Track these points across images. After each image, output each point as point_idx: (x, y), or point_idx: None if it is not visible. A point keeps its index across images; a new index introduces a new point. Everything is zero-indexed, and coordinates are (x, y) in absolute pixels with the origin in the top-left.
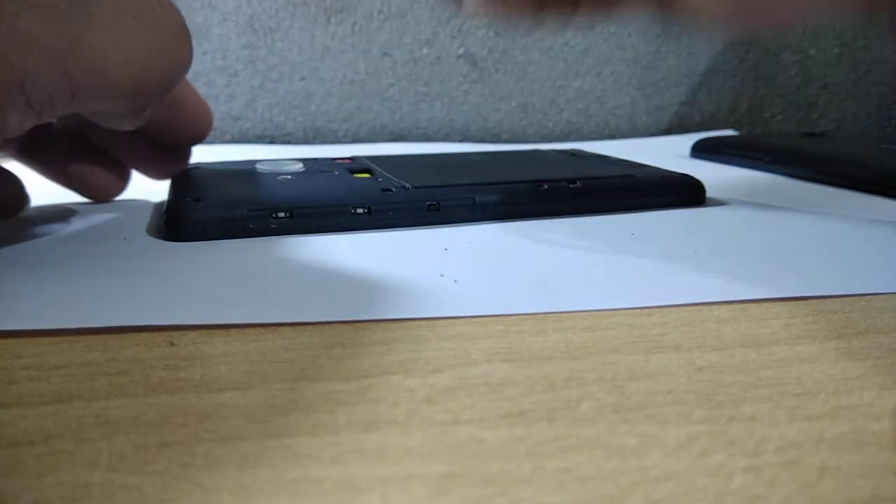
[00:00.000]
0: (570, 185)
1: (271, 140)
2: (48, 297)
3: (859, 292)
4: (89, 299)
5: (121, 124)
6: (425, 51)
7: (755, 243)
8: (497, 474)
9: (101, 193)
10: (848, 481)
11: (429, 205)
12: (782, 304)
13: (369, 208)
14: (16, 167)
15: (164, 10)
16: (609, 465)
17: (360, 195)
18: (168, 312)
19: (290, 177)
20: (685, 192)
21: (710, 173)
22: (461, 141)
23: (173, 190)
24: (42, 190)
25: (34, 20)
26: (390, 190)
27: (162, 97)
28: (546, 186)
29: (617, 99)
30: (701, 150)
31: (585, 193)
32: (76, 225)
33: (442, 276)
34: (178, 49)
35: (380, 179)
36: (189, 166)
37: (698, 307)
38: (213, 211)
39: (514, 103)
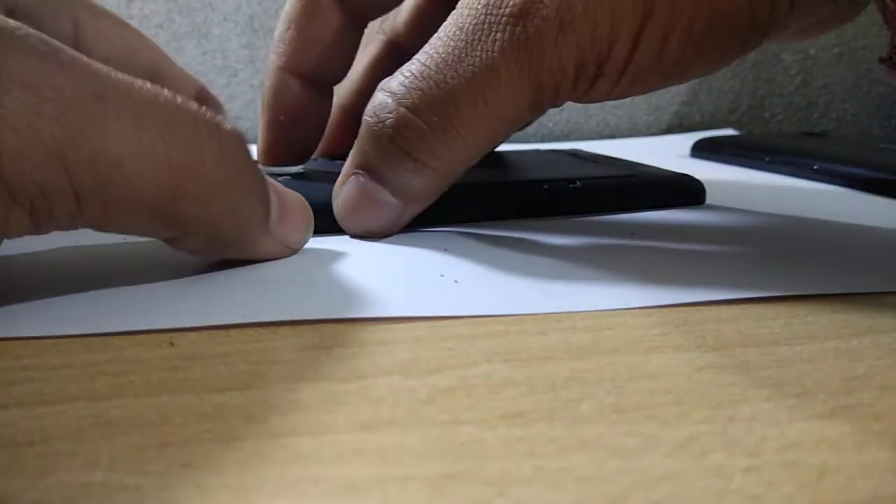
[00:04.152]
0: (571, 185)
1: None
2: (47, 303)
3: (859, 292)
4: (88, 304)
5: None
6: None
7: (755, 243)
8: (497, 474)
9: None
10: (848, 481)
11: (429, 206)
12: (782, 304)
13: None
14: None
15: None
16: (609, 465)
17: None
18: (168, 316)
19: (289, 178)
20: (685, 192)
21: (710, 173)
22: None
23: None
24: None
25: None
26: None
27: (197, 223)
28: (546, 186)
29: (615, 100)
30: (701, 150)
31: (585, 193)
32: None
33: (442, 276)
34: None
35: None
36: None
37: (698, 307)
38: None
39: None
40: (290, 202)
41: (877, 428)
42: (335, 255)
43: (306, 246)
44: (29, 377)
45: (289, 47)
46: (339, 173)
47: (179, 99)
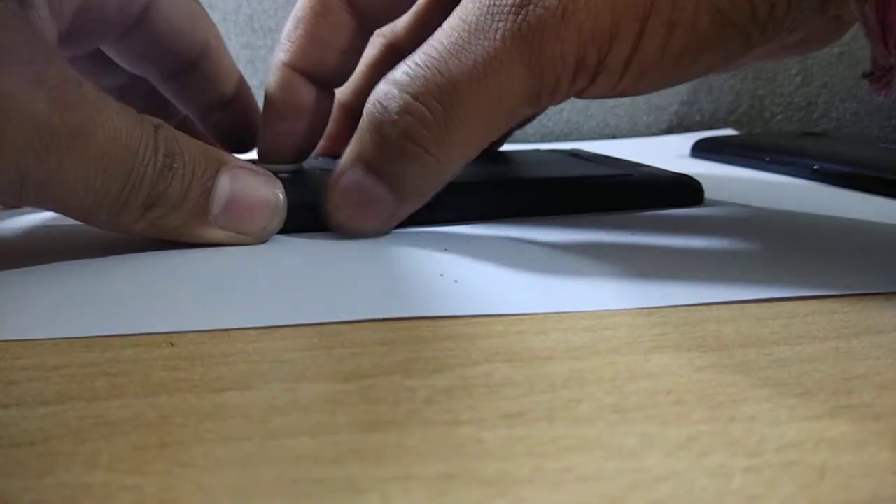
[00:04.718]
0: (570, 185)
1: None
2: (47, 305)
3: (859, 292)
4: (88, 305)
5: None
6: None
7: (755, 243)
8: (497, 474)
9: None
10: (848, 481)
11: (428, 204)
12: (782, 304)
13: None
14: None
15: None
16: (609, 465)
17: None
18: (168, 318)
19: (288, 175)
20: (684, 193)
21: (710, 173)
22: None
23: None
24: None
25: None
26: None
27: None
28: (545, 186)
29: (617, 98)
30: (701, 150)
31: (584, 192)
32: (72, 223)
33: (442, 276)
34: None
35: None
36: None
37: (698, 307)
38: None
39: None
40: (246, 193)
41: (877, 428)
42: (335, 256)
43: (306, 246)
44: (29, 377)
45: (294, 45)
46: None
47: (126, 142)
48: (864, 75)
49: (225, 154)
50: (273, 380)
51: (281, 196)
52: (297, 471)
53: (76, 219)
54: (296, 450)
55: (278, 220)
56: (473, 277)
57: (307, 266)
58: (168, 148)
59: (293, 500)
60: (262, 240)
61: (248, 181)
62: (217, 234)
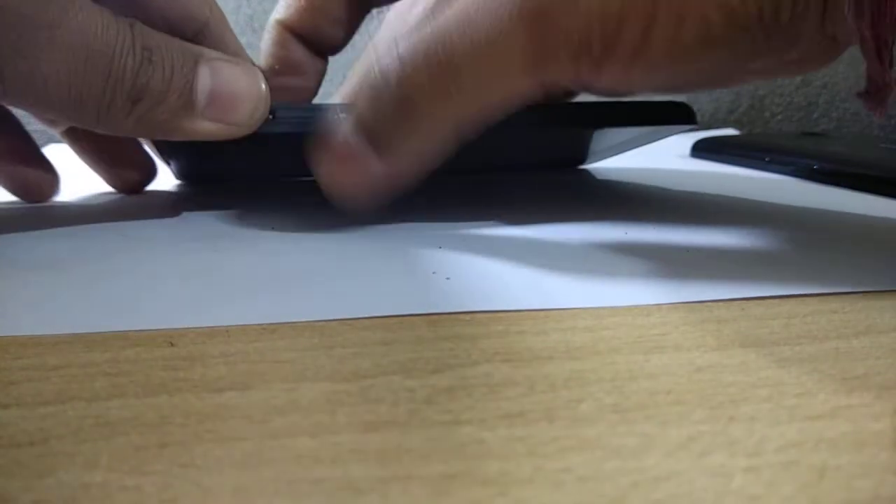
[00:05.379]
0: (565, 108)
1: None
2: (46, 301)
3: (859, 289)
4: (88, 302)
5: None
6: None
7: (755, 242)
8: (497, 474)
9: (36, 194)
10: (848, 481)
11: None
12: (782, 304)
13: None
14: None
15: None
16: (609, 465)
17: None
18: (166, 316)
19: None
20: (672, 112)
21: (711, 173)
22: None
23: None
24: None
25: None
26: None
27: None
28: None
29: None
30: (701, 150)
31: (577, 111)
32: (70, 215)
33: (434, 273)
34: None
35: None
36: None
37: (698, 307)
38: None
39: None
40: (229, 83)
41: (877, 428)
42: (330, 255)
43: (300, 245)
44: (29, 377)
45: (291, 8)
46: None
47: (102, 36)
48: (859, 94)
49: (201, 47)
50: (273, 380)
51: (263, 85)
52: (297, 471)
53: (68, 119)
54: (296, 450)
55: (263, 108)
56: (467, 274)
57: (301, 266)
58: (145, 42)
59: (293, 500)
60: (251, 129)
61: (229, 72)
62: (206, 126)
